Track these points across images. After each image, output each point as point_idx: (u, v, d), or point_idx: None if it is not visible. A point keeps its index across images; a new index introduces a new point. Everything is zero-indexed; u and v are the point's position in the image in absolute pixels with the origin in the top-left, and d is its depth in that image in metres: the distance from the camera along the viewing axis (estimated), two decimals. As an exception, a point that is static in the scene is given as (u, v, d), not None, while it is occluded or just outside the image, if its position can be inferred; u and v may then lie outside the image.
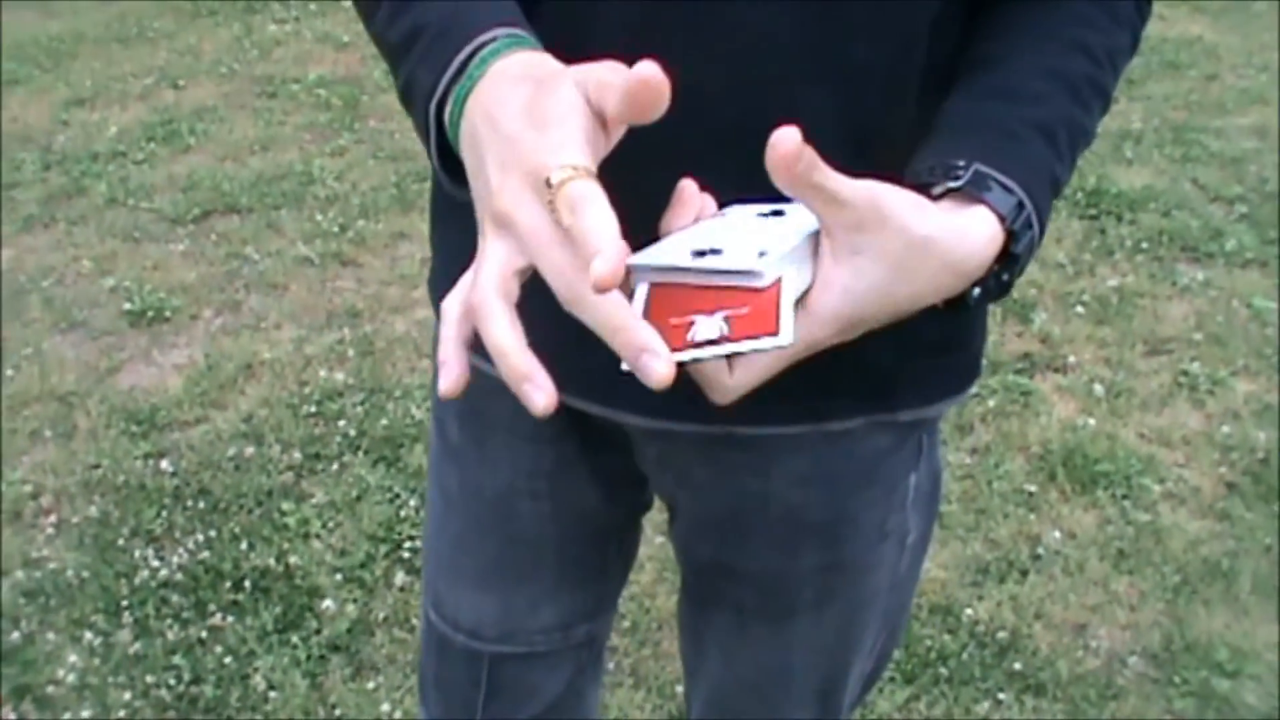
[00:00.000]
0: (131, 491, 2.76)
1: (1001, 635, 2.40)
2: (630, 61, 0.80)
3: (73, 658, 2.34)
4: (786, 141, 0.68)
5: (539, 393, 0.68)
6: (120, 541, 2.62)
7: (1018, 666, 2.34)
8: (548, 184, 0.67)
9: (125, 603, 2.46)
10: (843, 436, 1.03)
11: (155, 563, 2.56)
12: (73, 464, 2.84)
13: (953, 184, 0.80)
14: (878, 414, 1.03)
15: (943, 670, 2.33)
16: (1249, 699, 2.28)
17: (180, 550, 2.59)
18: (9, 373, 3.15)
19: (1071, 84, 0.89)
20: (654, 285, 0.74)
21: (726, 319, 0.71)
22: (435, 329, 1.20)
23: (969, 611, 2.45)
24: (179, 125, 4.50)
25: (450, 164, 0.80)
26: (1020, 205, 0.81)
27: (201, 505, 2.71)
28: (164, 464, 2.83)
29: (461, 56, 0.78)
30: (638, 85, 0.67)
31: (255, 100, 4.80)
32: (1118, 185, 4.03)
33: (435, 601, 1.28)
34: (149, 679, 2.30)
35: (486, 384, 1.09)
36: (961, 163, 0.81)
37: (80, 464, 2.84)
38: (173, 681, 2.30)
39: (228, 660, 2.33)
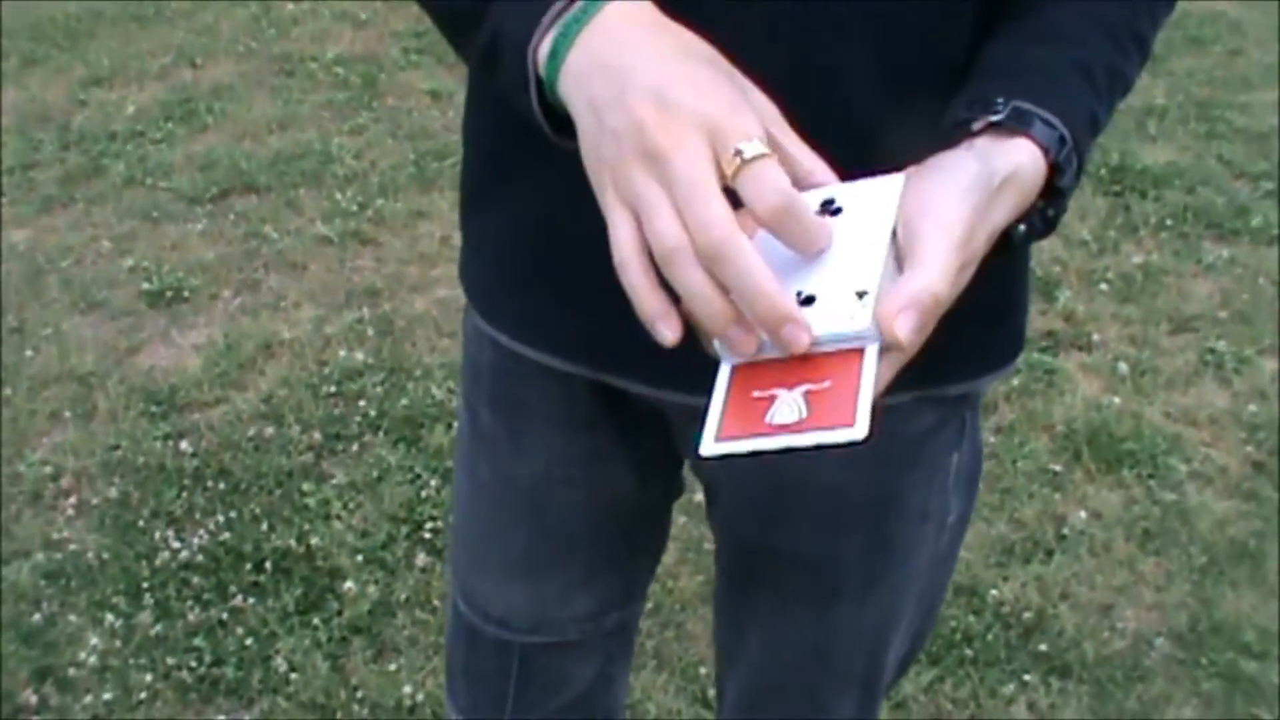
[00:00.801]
0: (151, 472, 2.75)
1: (1027, 616, 2.38)
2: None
3: (94, 639, 2.34)
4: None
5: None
6: (141, 523, 2.61)
7: (1043, 648, 2.32)
8: (738, 154, 0.67)
9: (146, 584, 2.46)
10: (891, 413, 1.00)
11: (176, 544, 2.55)
12: (92, 445, 2.84)
13: (993, 117, 0.80)
14: (929, 388, 1.01)
15: (968, 651, 2.31)
16: (1276, 680, 2.26)
17: (201, 531, 2.58)
18: (28, 353, 3.14)
19: (1110, 29, 0.89)
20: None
21: (806, 396, 0.69)
22: (465, 312, 1.19)
23: (994, 592, 2.43)
24: (197, 104, 4.49)
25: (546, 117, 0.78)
26: (1062, 139, 0.81)
27: (222, 486, 2.70)
28: (184, 445, 2.82)
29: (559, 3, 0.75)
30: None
31: (273, 79, 4.78)
32: (1142, 162, 3.99)
33: (464, 591, 1.27)
34: (170, 661, 2.30)
35: (523, 369, 1.10)
36: (1000, 99, 0.81)
37: (100, 445, 2.84)
38: (194, 663, 2.29)
39: (249, 642, 2.32)
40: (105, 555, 2.53)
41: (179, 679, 2.26)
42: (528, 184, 0.99)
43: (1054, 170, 0.81)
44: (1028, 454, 2.78)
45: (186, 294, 3.39)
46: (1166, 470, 2.75)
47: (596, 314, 0.80)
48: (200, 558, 2.52)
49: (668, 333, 0.69)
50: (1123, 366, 3.06)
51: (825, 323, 0.69)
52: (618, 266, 0.70)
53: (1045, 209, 0.83)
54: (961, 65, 0.89)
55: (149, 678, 2.26)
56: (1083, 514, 2.63)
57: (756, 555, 1.15)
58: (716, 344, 0.71)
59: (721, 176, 0.67)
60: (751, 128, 0.68)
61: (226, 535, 2.56)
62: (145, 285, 3.41)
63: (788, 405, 0.68)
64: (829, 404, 0.68)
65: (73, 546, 2.56)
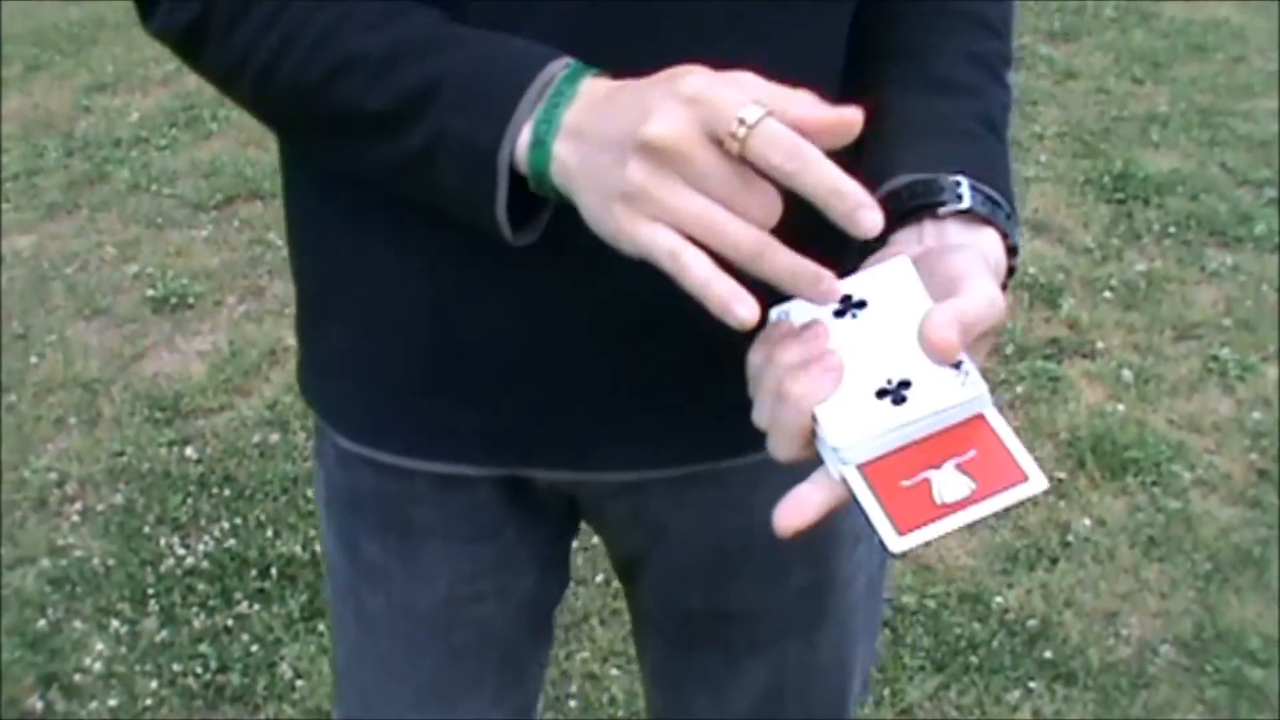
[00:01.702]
0: (156, 479, 2.75)
1: (1031, 623, 2.39)
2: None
3: (99, 646, 2.34)
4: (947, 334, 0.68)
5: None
6: (146, 529, 2.62)
7: (1048, 655, 2.32)
8: (740, 123, 0.65)
9: (151, 591, 2.46)
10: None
11: (181, 550, 2.56)
12: (97, 451, 2.84)
13: (960, 205, 0.79)
14: None
15: (973, 659, 2.31)
16: (1282, 688, 2.26)
17: (206, 538, 2.58)
18: (33, 360, 3.15)
19: (991, 68, 0.90)
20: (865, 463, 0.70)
21: (961, 469, 0.68)
22: (317, 434, 1.10)
23: (998, 599, 2.43)
24: (201, 111, 4.49)
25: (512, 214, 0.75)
26: (1008, 217, 0.81)
27: (227, 493, 2.70)
28: (189, 451, 2.82)
29: (538, 85, 0.73)
30: (840, 123, 0.67)
31: (276, 86, 4.78)
32: (1145, 169, 3.99)
33: None
34: (175, 667, 2.30)
35: (413, 488, 1.02)
36: (956, 179, 0.80)
37: (105, 451, 2.84)
38: (199, 670, 2.29)
39: (254, 648, 2.32)
40: (110, 562, 2.53)
41: (184, 685, 2.27)
42: (396, 285, 0.92)
43: (1010, 252, 0.81)
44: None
45: (191, 300, 3.39)
46: (1170, 477, 2.75)
47: (505, 407, 0.76)
48: (205, 564, 2.52)
49: (744, 311, 0.66)
50: (1126, 374, 3.07)
51: (936, 399, 0.69)
52: (677, 270, 0.68)
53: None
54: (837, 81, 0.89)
55: (154, 684, 2.26)
56: (1087, 521, 2.63)
57: (699, 616, 1.11)
58: (824, 454, 0.70)
59: (728, 154, 0.66)
60: (740, 94, 0.67)
61: (231, 542, 2.57)
62: (150, 292, 3.42)
63: (950, 483, 0.68)
64: (991, 469, 0.68)
65: (78, 553, 2.56)
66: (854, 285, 0.74)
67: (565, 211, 0.73)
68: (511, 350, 0.82)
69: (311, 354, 1.05)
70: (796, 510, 0.68)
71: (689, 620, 1.13)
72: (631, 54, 0.76)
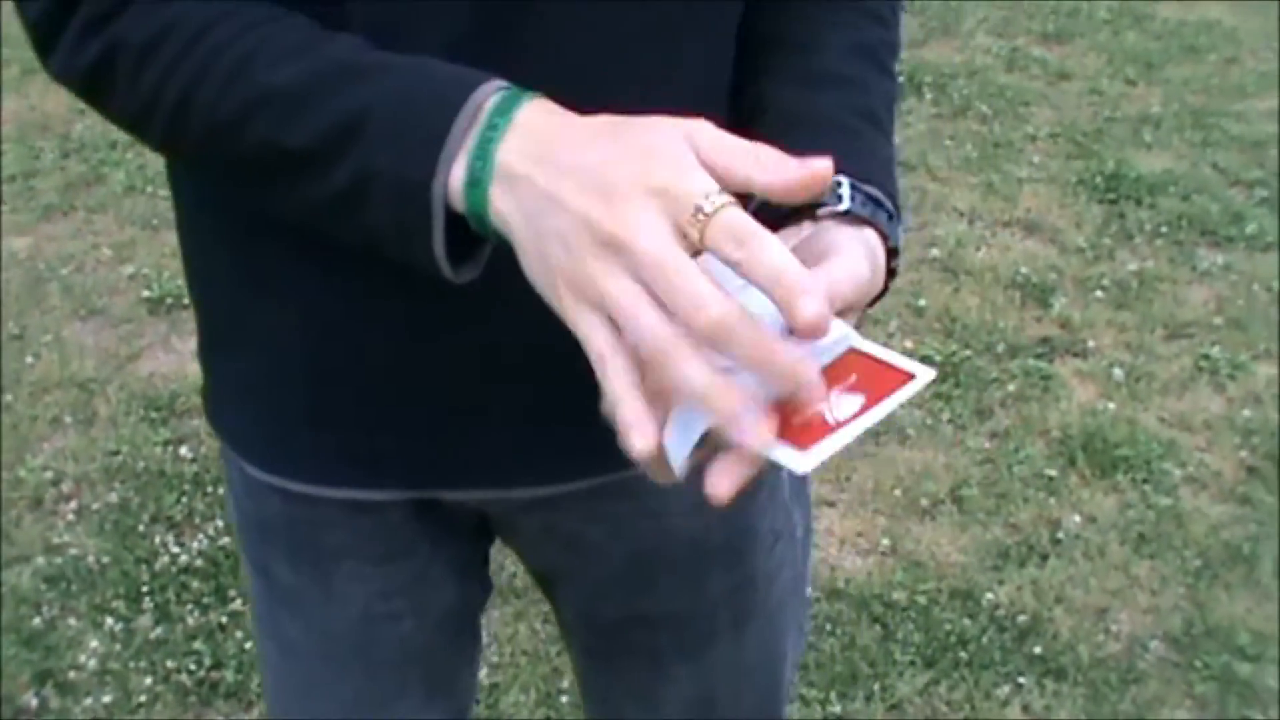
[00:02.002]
0: (151, 478, 2.76)
1: (1022, 619, 2.40)
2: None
3: (94, 643, 2.35)
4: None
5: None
6: (141, 528, 2.63)
7: (1038, 650, 2.34)
8: (698, 211, 0.61)
9: (146, 588, 2.47)
10: None
11: (175, 549, 2.57)
12: (93, 451, 2.85)
13: (839, 206, 0.77)
14: None
15: (962, 654, 2.32)
16: (1270, 683, 2.27)
17: (200, 536, 2.60)
18: (29, 360, 3.16)
19: (877, 59, 0.89)
20: None
21: (847, 390, 0.68)
22: (224, 461, 1.07)
23: (989, 595, 2.45)
24: (197, 113, 4.49)
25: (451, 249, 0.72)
26: (890, 217, 0.80)
27: (221, 491, 2.71)
28: (184, 450, 2.83)
29: (467, 111, 0.69)
30: (810, 179, 0.64)
31: (272, 88, 4.79)
32: (1137, 169, 4.01)
33: None
34: (170, 664, 2.31)
35: (323, 514, 1.01)
36: (837, 179, 0.78)
37: (100, 451, 2.85)
38: (193, 666, 2.30)
39: (248, 645, 2.33)
40: (105, 559, 2.54)
41: (179, 682, 2.28)
42: (296, 310, 0.89)
43: (890, 254, 0.80)
44: (1023, 459, 2.80)
45: (186, 301, 3.39)
46: (1161, 475, 2.76)
47: (410, 430, 0.73)
48: (200, 562, 2.53)
49: (640, 442, 0.63)
50: (1118, 372, 3.08)
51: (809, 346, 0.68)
52: (600, 374, 0.64)
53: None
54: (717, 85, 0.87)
55: (149, 681, 2.28)
56: (1077, 518, 2.65)
57: (622, 627, 1.11)
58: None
59: (689, 246, 0.62)
60: (703, 180, 0.63)
61: (225, 540, 2.58)
62: (145, 292, 3.43)
63: (840, 404, 0.67)
64: (876, 381, 0.68)
65: (73, 551, 2.57)
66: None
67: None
68: (406, 377, 0.80)
69: (214, 382, 1.03)
70: (726, 477, 0.64)
71: (610, 631, 1.12)
72: (521, 58, 0.75)
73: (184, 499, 2.70)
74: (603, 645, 1.15)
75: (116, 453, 2.84)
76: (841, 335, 0.70)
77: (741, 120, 0.84)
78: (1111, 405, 2.97)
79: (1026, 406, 2.97)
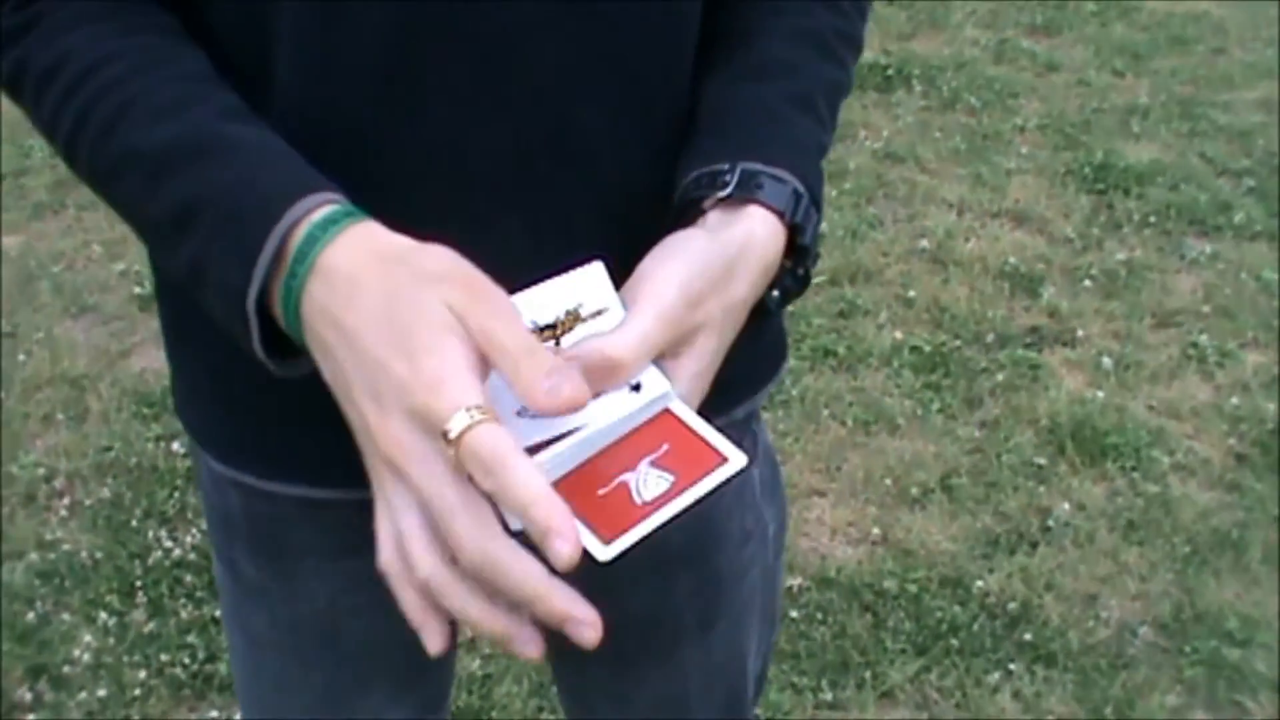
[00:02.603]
0: (144, 473, 2.77)
1: (1012, 607, 2.41)
2: (388, 67, 0.76)
3: (88, 637, 2.36)
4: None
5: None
6: (133, 523, 2.63)
7: (1028, 637, 2.35)
8: (445, 437, 0.62)
9: (139, 583, 2.48)
10: None
11: (168, 543, 2.57)
12: (85, 447, 2.86)
13: (721, 193, 0.77)
14: (717, 418, 0.95)
15: (953, 641, 2.33)
16: (1259, 667, 2.28)
17: (193, 530, 2.60)
18: (21, 357, 3.16)
19: (820, 40, 0.86)
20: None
21: (656, 464, 0.67)
22: (193, 456, 1.07)
23: (979, 583, 2.46)
24: (186, 111, 4.49)
25: (276, 342, 0.72)
26: (796, 194, 0.78)
27: (214, 486, 2.72)
28: (175, 446, 2.84)
29: (271, 246, 0.68)
30: (556, 406, 0.64)
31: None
32: (1125, 160, 4.02)
33: None
34: (164, 658, 2.32)
35: (281, 510, 1.00)
36: (726, 166, 0.78)
37: (93, 446, 2.86)
38: (187, 660, 2.31)
39: (242, 638, 2.34)
40: (98, 555, 2.55)
41: (173, 675, 2.28)
42: None
43: (793, 230, 0.79)
44: (1012, 448, 2.81)
45: (177, 297, 3.40)
46: (1150, 463, 2.77)
47: (335, 435, 0.70)
48: (192, 556, 2.53)
49: (432, 644, 0.66)
50: (1106, 361, 3.09)
51: (611, 412, 0.68)
52: (382, 570, 0.68)
53: (794, 268, 0.81)
54: (686, 84, 0.85)
55: (142, 674, 2.28)
56: (1067, 506, 2.66)
57: None
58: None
59: (457, 464, 0.63)
60: (454, 394, 0.62)
61: (219, 534, 2.58)
62: (136, 289, 3.43)
63: (648, 480, 0.67)
64: (688, 458, 0.67)
65: (66, 546, 2.58)
66: (544, 297, 0.72)
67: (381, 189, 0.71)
68: None
69: (176, 376, 1.03)
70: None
71: None
72: (454, 49, 0.76)
73: (176, 494, 2.70)
74: (569, 647, 1.14)
75: (109, 449, 2.85)
76: (659, 394, 0.69)
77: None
78: (1100, 394, 2.98)
79: (1016, 396, 2.98)
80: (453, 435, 0.61)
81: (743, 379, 0.96)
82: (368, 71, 0.77)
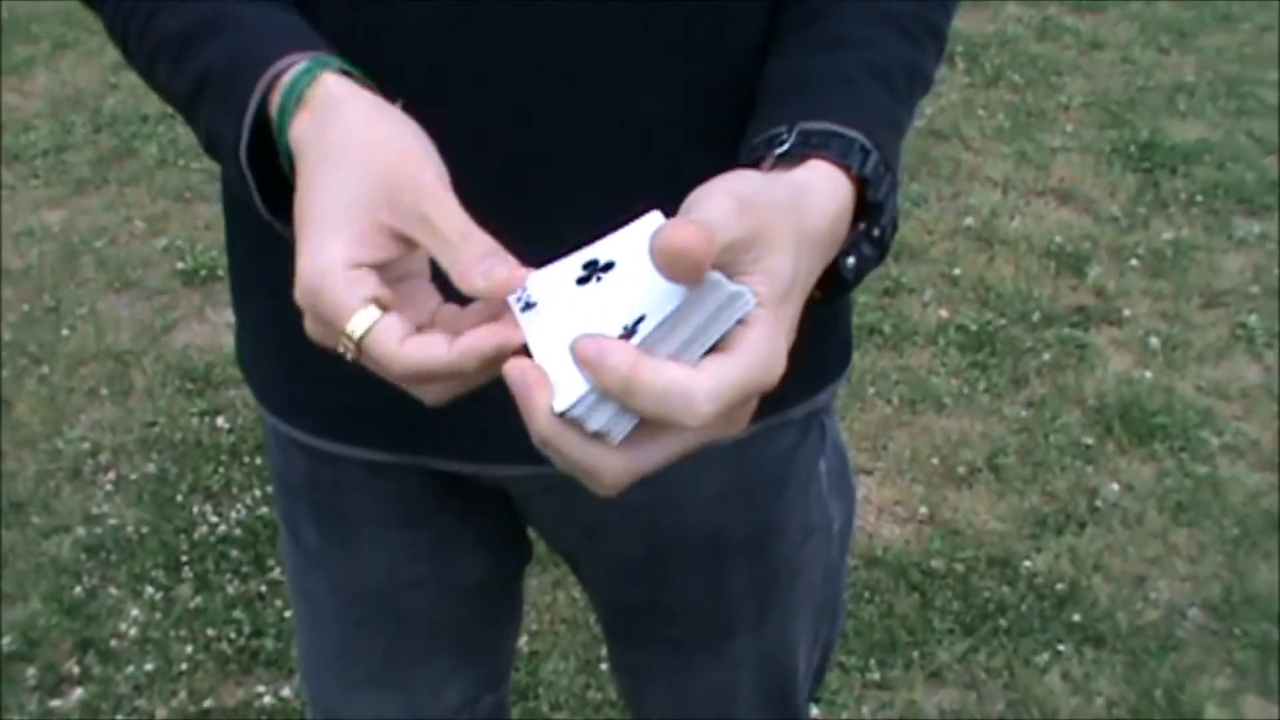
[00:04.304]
0: (189, 449, 2.78)
1: (1060, 587, 2.39)
2: (440, 62, 0.76)
3: (134, 611, 2.37)
4: (683, 238, 0.57)
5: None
6: (179, 498, 2.64)
7: (1077, 618, 2.33)
8: (348, 338, 0.63)
9: (185, 558, 2.49)
10: (748, 445, 0.96)
11: (214, 518, 2.58)
12: (130, 422, 2.87)
13: (779, 150, 0.72)
14: (772, 417, 0.95)
15: (1001, 622, 2.32)
16: (1311, 650, 2.26)
17: (239, 506, 2.61)
18: (65, 332, 3.17)
19: (901, 24, 0.82)
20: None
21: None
22: (263, 420, 1.07)
23: (1027, 564, 2.44)
24: (227, 87, 4.49)
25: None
26: (864, 149, 0.72)
27: (258, 461, 2.72)
28: (220, 421, 2.84)
29: (255, 98, 0.70)
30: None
31: (302, 62, 4.78)
32: (1171, 138, 3.98)
33: (328, 713, 1.19)
34: (210, 632, 2.32)
35: (342, 474, 1.01)
36: (783, 128, 0.73)
37: (137, 422, 2.87)
38: (233, 635, 2.32)
39: (287, 614, 2.34)
40: (144, 529, 2.56)
41: (219, 650, 2.29)
42: None
43: (862, 184, 0.72)
44: (1059, 428, 2.79)
45: (220, 273, 3.41)
46: (1198, 443, 2.75)
47: (407, 399, 0.69)
48: (238, 531, 2.54)
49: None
50: (1154, 341, 3.06)
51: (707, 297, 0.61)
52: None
53: (869, 230, 0.74)
54: (750, 73, 0.83)
55: (189, 649, 2.29)
56: (1115, 486, 2.63)
57: (644, 615, 1.10)
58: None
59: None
60: (349, 299, 0.63)
61: (264, 509, 2.59)
62: (179, 264, 3.44)
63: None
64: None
65: (112, 521, 2.59)
66: (602, 249, 0.66)
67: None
68: None
69: (242, 327, 1.02)
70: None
71: (632, 617, 1.12)
72: (515, 52, 0.76)
73: (221, 469, 2.70)
74: (626, 629, 1.15)
75: (153, 424, 2.85)
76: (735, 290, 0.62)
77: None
78: (1148, 374, 2.95)
79: (1062, 375, 2.95)
80: (355, 336, 0.63)
81: (799, 376, 0.85)
82: (418, 68, 0.78)
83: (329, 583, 1.09)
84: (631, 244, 0.65)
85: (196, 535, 2.54)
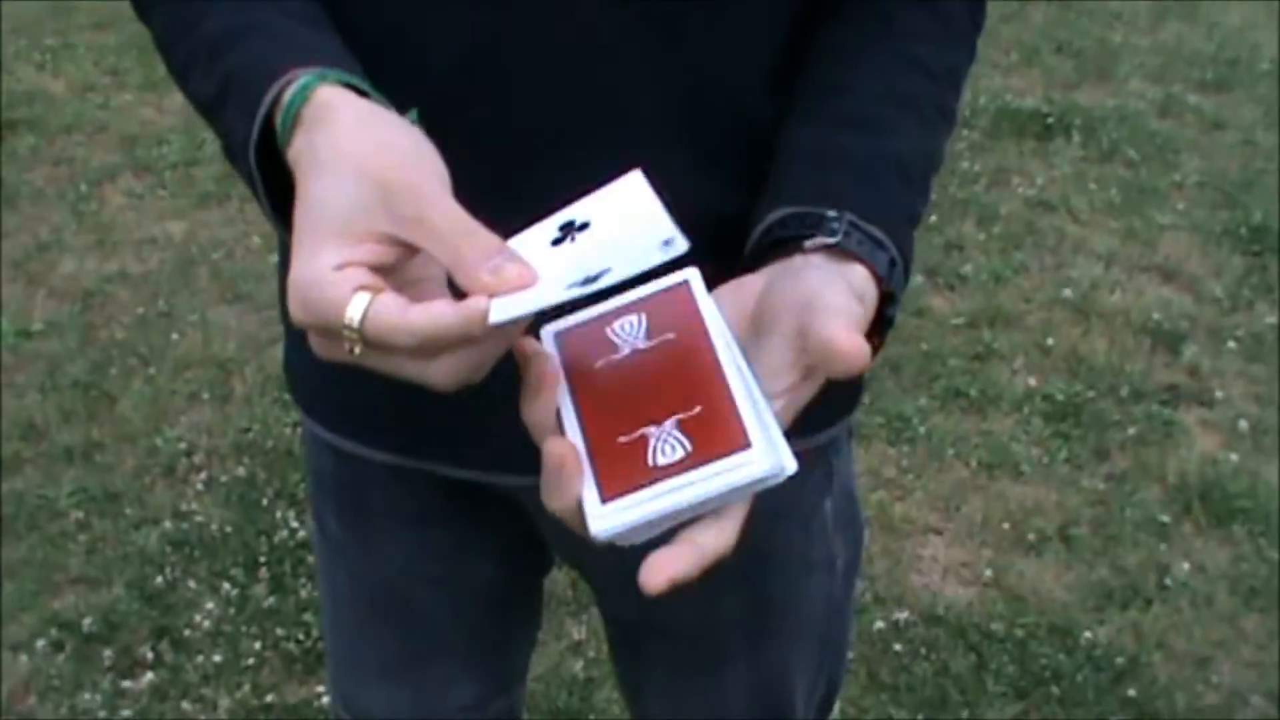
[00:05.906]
0: (279, 456, 2.87)
1: (1119, 661, 2.38)
2: (463, 77, 0.80)
3: (210, 605, 2.45)
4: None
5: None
6: (264, 502, 2.73)
7: (1132, 693, 2.31)
8: (348, 328, 0.63)
9: (263, 559, 2.57)
10: None
11: (295, 524, 2.66)
12: (226, 426, 2.97)
13: (830, 239, 0.75)
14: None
15: (1055, 689, 2.31)
16: (1373, 746, 2.22)
17: (319, 514, 2.68)
18: (174, 336, 3.29)
19: (917, 108, 0.85)
20: (575, 374, 0.68)
21: (682, 425, 0.65)
22: (305, 427, 1.10)
23: (1088, 634, 2.43)
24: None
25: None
26: (893, 262, 0.76)
27: (343, 473, 2.80)
28: (311, 432, 2.93)
29: (267, 102, 0.71)
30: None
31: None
32: (1285, 223, 3.93)
33: (344, 700, 1.23)
34: (279, 632, 2.40)
35: (365, 473, 1.04)
36: (833, 214, 0.76)
37: (233, 427, 2.97)
38: (301, 637, 2.39)
39: (355, 621, 2.41)
40: (228, 529, 2.65)
41: (286, 650, 2.36)
42: None
43: (885, 300, 0.76)
44: (1137, 503, 2.77)
45: (327, 291, 3.51)
46: (1278, 530, 2.71)
47: (423, 406, 0.71)
48: (316, 538, 2.61)
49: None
50: (1243, 424, 3.03)
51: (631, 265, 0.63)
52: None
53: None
54: (755, 111, 0.86)
55: (258, 645, 2.37)
56: (1187, 565, 2.61)
57: (639, 630, 1.13)
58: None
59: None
60: (340, 292, 0.63)
61: (343, 519, 2.66)
62: (289, 281, 3.54)
63: (668, 443, 0.64)
64: (713, 432, 0.64)
65: (199, 518, 2.68)
66: (579, 209, 0.68)
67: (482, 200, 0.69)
68: None
69: (287, 336, 1.06)
70: (661, 570, 0.68)
71: (631, 632, 1.15)
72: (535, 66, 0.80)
73: (307, 478, 2.78)
74: (627, 643, 1.18)
75: (248, 430, 2.96)
76: (675, 236, 0.64)
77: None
78: (1234, 457, 2.92)
79: (1146, 451, 2.93)
80: (355, 324, 0.63)
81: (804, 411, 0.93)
82: (444, 75, 0.82)
83: (348, 575, 1.14)
84: (608, 203, 0.67)
85: (276, 539, 2.62)
